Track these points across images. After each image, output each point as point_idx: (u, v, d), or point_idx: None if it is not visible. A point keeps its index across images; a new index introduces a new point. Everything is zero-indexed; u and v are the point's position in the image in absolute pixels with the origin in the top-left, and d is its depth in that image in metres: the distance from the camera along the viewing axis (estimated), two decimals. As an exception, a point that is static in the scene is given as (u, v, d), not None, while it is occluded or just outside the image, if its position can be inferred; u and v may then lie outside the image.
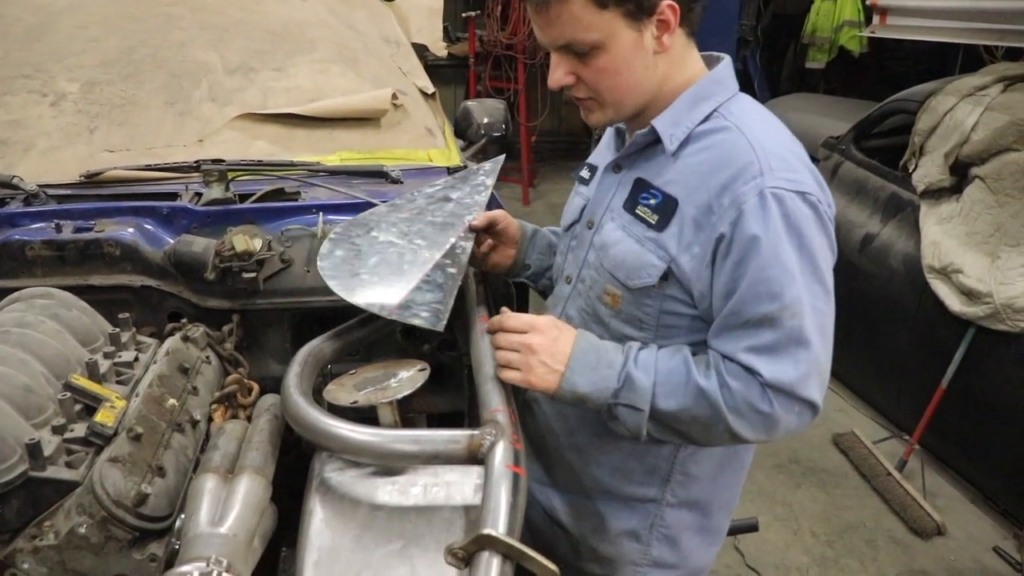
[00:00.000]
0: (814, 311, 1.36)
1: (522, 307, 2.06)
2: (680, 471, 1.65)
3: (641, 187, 1.53)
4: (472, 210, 1.83)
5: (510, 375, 1.47)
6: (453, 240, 1.73)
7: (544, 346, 1.46)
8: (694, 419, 1.41)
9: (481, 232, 1.82)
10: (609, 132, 1.73)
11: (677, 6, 1.40)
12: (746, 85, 7.76)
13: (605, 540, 1.72)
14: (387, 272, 1.63)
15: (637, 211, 1.52)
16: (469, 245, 1.73)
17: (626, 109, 1.52)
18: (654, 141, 1.52)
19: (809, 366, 1.36)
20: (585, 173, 1.78)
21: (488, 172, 2.00)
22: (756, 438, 1.41)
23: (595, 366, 1.46)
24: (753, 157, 1.38)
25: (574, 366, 1.46)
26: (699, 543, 1.75)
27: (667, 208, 1.47)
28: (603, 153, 1.75)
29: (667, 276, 1.47)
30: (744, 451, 1.74)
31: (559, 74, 1.48)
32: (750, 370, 1.36)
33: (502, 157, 2.06)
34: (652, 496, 1.68)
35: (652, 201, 1.50)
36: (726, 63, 1.55)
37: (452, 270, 1.64)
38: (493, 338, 1.53)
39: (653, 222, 1.48)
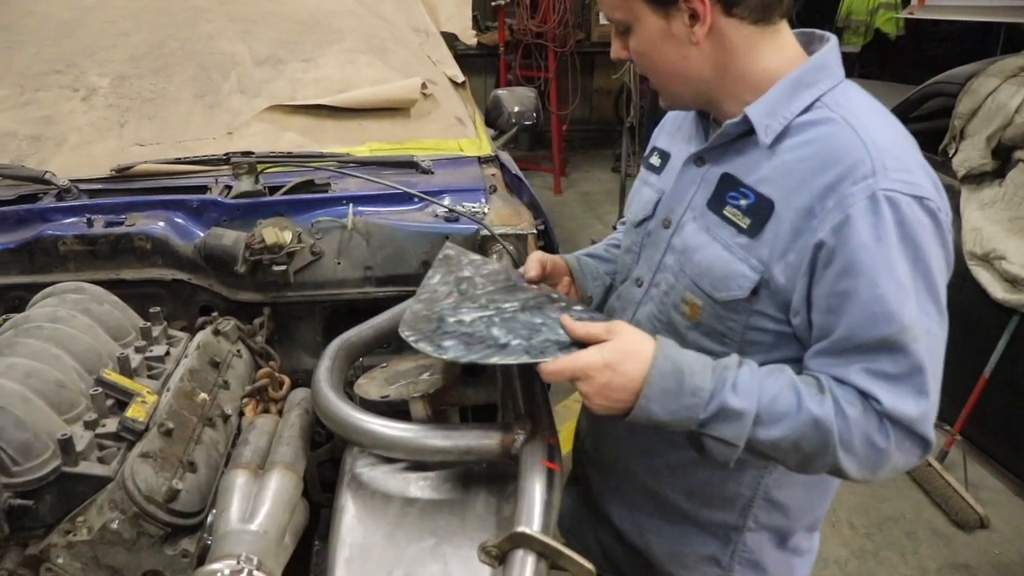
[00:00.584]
0: (928, 335, 1.21)
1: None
2: (764, 498, 1.53)
3: (729, 184, 1.36)
4: (503, 272, 1.58)
5: (585, 388, 1.25)
6: (531, 293, 1.48)
7: (615, 362, 1.25)
8: (796, 448, 1.25)
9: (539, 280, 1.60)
10: (689, 116, 1.54)
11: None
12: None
13: (684, 565, 1.62)
14: (530, 333, 1.31)
15: (725, 212, 1.35)
16: (547, 290, 1.51)
17: (677, 97, 1.42)
18: (746, 132, 1.35)
19: (930, 398, 1.21)
20: (655, 160, 1.62)
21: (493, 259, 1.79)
22: (858, 476, 1.25)
23: (676, 393, 1.24)
24: (864, 154, 1.22)
25: (649, 393, 1.24)
26: (784, 561, 1.62)
27: (761, 210, 1.29)
28: (676, 138, 1.59)
29: (758, 289, 1.31)
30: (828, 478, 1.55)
31: (615, 47, 1.41)
32: (867, 395, 1.22)
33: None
34: (732, 522, 1.55)
35: (743, 202, 1.33)
36: (831, 46, 1.37)
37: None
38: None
39: (744, 226, 1.32)
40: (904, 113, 4.70)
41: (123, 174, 2.24)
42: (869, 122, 1.27)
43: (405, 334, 1.34)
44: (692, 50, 1.32)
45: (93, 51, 2.69)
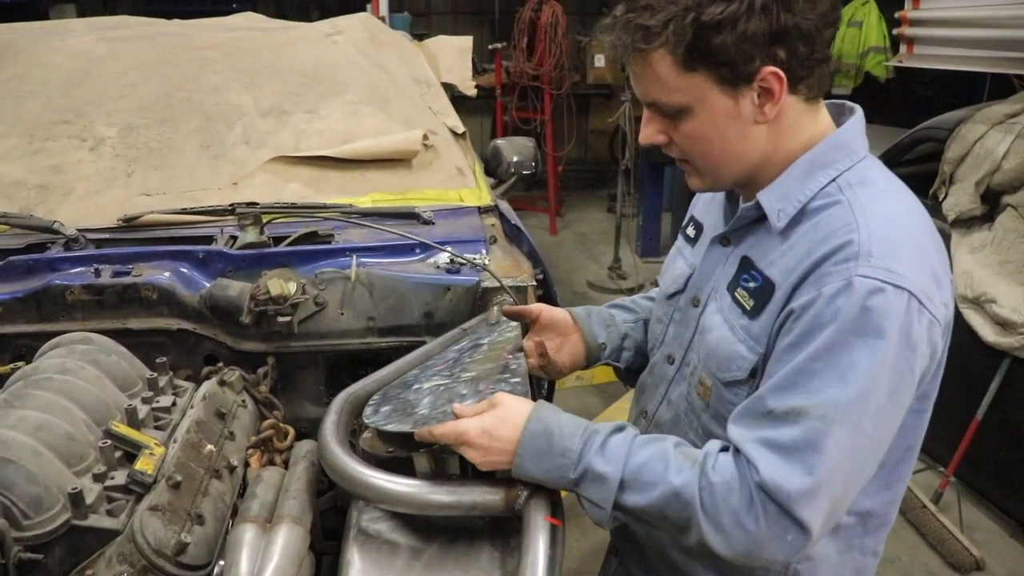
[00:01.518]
0: (854, 429, 1.16)
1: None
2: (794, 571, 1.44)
3: (745, 267, 1.36)
4: (509, 343, 1.69)
5: (470, 454, 1.31)
6: (503, 362, 1.60)
7: (491, 427, 1.30)
8: (664, 518, 1.24)
9: (521, 322, 1.74)
10: (721, 195, 1.52)
11: (783, 74, 1.22)
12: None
13: None
14: (445, 402, 1.46)
15: (736, 294, 1.35)
16: (522, 359, 1.60)
17: (724, 180, 1.36)
18: (761, 216, 1.34)
19: (820, 483, 1.14)
20: (691, 231, 1.61)
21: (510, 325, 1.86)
22: (731, 554, 1.20)
23: (547, 453, 1.28)
24: (854, 236, 1.19)
25: (523, 452, 1.29)
26: None
27: (764, 293, 1.29)
28: (710, 209, 1.57)
29: (755, 371, 1.30)
30: (872, 556, 1.48)
31: (650, 131, 1.35)
32: (748, 463, 1.18)
33: (506, 300, 1.95)
34: None
35: (752, 284, 1.32)
36: (856, 119, 1.34)
37: (516, 379, 1.50)
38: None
39: (748, 307, 1.31)
40: (895, 157, 4.77)
41: (130, 224, 2.28)
42: (874, 206, 1.23)
43: (374, 397, 1.61)
44: (755, 129, 1.28)
45: (101, 101, 2.73)
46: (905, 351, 1.17)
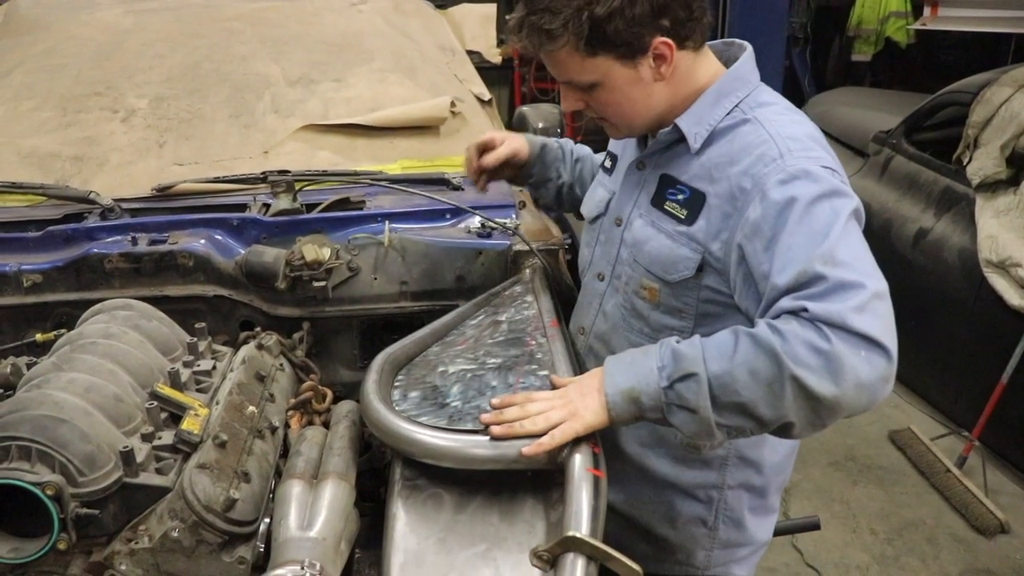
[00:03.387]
0: (855, 260, 1.28)
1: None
2: (736, 456, 1.68)
3: (667, 183, 1.57)
4: (529, 323, 1.76)
5: (563, 431, 1.32)
6: (528, 349, 1.64)
7: (574, 385, 1.41)
8: (755, 377, 1.25)
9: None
10: None
11: (671, 40, 1.44)
12: (792, 81, 7.71)
13: (675, 527, 1.75)
14: (476, 394, 1.49)
15: (666, 207, 1.56)
16: (546, 346, 1.64)
17: (637, 129, 1.60)
18: (678, 139, 1.56)
19: (862, 302, 1.23)
20: (608, 163, 1.83)
21: (527, 289, 1.94)
22: (826, 389, 1.22)
23: (631, 361, 1.38)
24: (771, 142, 1.42)
25: (610, 372, 1.38)
26: (759, 520, 1.79)
27: (695, 202, 1.50)
28: (623, 145, 1.78)
29: (702, 267, 1.49)
30: None
31: (570, 101, 1.57)
32: (796, 311, 1.25)
33: (540, 275, 2.01)
34: (713, 482, 1.70)
35: (680, 196, 1.53)
36: (747, 56, 1.58)
37: (543, 372, 1.53)
38: (522, 409, 1.37)
39: (683, 216, 1.52)
40: (917, 122, 4.74)
41: (164, 193, 2.31)
42: (778, 119, 1.48)
43: (398, 377, 1.64)
44: (656, 87, 1.50)
45: (131, 73, 2.76)
46: (848, 194, 1.37)
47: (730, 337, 1.31)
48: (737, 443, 1.66)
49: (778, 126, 1.45)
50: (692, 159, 1.53)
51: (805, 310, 1.24)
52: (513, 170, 2.03)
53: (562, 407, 1.35)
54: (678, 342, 1.36)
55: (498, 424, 1.34)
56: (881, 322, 1.24)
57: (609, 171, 1.81)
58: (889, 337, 1.24)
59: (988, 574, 3.35)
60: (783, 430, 1.31)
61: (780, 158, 1.39)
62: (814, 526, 2.67)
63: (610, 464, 1.69)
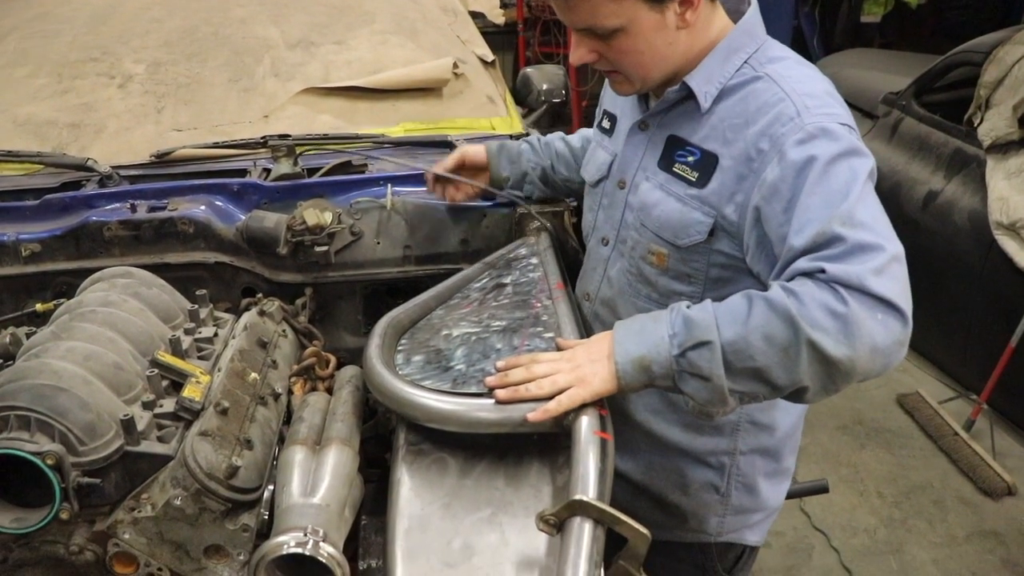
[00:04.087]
0: (873, 221, 1.26)
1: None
2: (748, 421, 1.66)
3: (676, 144, 1.52)
4: (534, 286, 1.74)
5: (569, 397, 1.30)
6: (533, 312, 1.62)
7: (582, 349, 1.37)
8: (770, 342, 1.22)
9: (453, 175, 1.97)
10: None
11: None
12: (800, 43, 7.62)
13: (687, 494, 1.74)
14: (480, 357, 1.47)
15: (675, 169, 1.51)
16: (551, 308, 1.62)
17: (652, 82, 1.51)
18: (685, 98, 1.51)
19: (879, 264, 1.21)
20: (606, 123, 1.77)
21: (532, 252, 1.92)
22: (841, 352, 1.20)
23: (641, 328, 1.34)
24: (788, 100, 1.38)
25: (619, 339, 1.33)
26: (772, 485, 1.77)
27: (707, 164, 1.45)
28: (622, 104, 1.72)
29: (714, 230, 1.45)
30: None
31: (581, 51, 1.48)
32: (813, 272, 1.23)
33: (545, 237, 1.99)
34: (725, 448, 1.68)
35: (690, 158, 1.48)
36: (753, 10, 1.52)
37: (549, 334, 1.51)
38: (528, 375, 1.34)
39: (694, 179, 1.47)
40: (928, 83, 4.68)
41: (162, 159, 2.27)
42: (790, 74, 1.43)
43: (402, 341, 1.62)
44: (678, 35, 1.44)
45: (127, 38, 2.71)
46: (866, 153, 1.34)
47: (743, 301, 1.27)
48: (748, 408, 1.64)
49: (793, 82, 1.41)
50: (702, 118, 1.48)
51: (823, 271, 1.21)
52: (477, 173, 2.02)
53: (569, 371, 1.32)
54: (689, 307, 1.32)
55: (503, 387, 1.32)
56: (899, 285, 1.22)
57: (608, 132, 1.75)
58: (905, 301, 1.22)
59: (995, 536, 3.36)
60: (797, 395, 1.28)
61: (798, 116, 1.35)
62: (823, 489, 2.67)
63: (620, 432, 1.70)
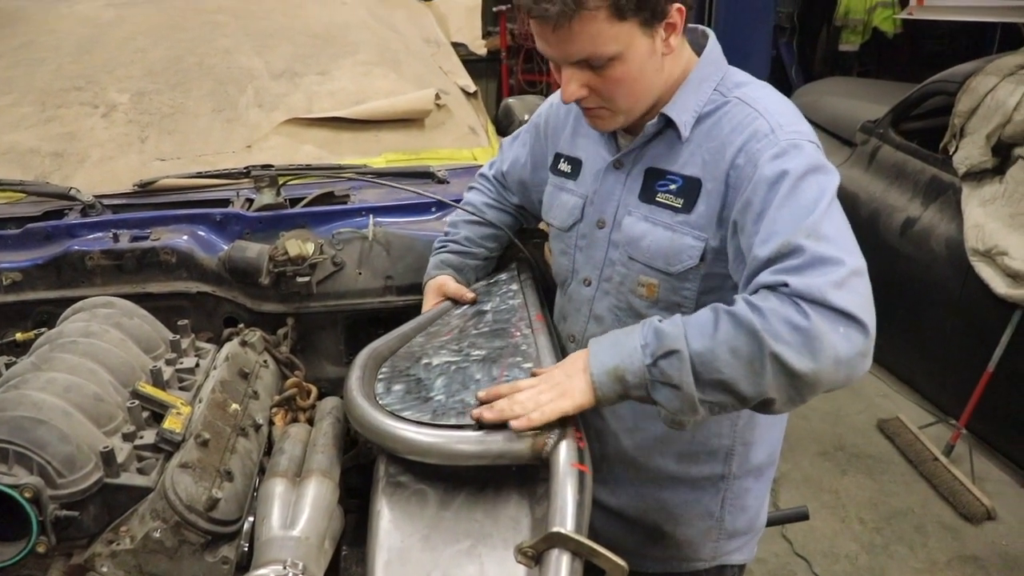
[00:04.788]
0: (837, 235, 1.30)
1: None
2: (741, 442, 1.68)
3: (655, 176, 1.56)
4: (514, 314, 1.75)
5: (552, 408, 1.31)
6: (513, 341, 1.63)
7: (558, 368, 1.40)
8: (736, 355, 1.25)
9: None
10: (584, 128, 1.70)
11: (684, 7, 1.44)
12: (779, 71, 7.71)
13: (681, 523, 1.75)
14: (460, 387, 1.47)
15: (658, 199, 1.54)
16: (531, 338, 1.63)
17: (636, 113, 1.54)
18: (661, 130, 1.55)
19: (841, 278, 1.23)
20: (565, 167, 1.77)
21: (512, 278, 1.95)
22: (805, 365, 1.22)
23: (614, 341, 1.36)
24: (762, 119, 1.43)
25: (594, 352, 1.36)
26: (761, 503, 1.81)
27: (691, 189, 1.49)
28: (582, 145, 1.73)
29: (705, 255, 1.49)
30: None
31: (573, 87, 1.48)
32: (776, 286, 1.26)
33: (525, 267, 2.01)
34: (719, 473, 1.71)
35: (672, 186, 1.52)
36: (712, 41, 1.59)
37: (528, 364, 1.51)
38: (510, 400, 1.34)
39: (679, 205, 1.51)
40: (904, 111, 4.74)
41: (146, 189, 2.28)
42: (758, 95, 1.50)
43: (382, 370, 1.61)
44: (663, 62, 1.49)
45: (112, 67, 2.73)
46: (832, 175, 1.38)
47: (710, 315, 1.30)
48: (739, 428, 1.67)
49: (764, 102, 1.47)
50: (679, 148, 1.52)
51: (785, 285, 1.24)
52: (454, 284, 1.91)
53: (549, 389, 1.34)
54: (660, 321, 1.34)
55: (490, 411, 1.33)
56: (859, 298, 1.25)
57: (571, 175, 1.75)
58: (867, 313, 1.25)
59: (975, 561, 3.37)
60: (764, 406, 1.30)
61: (772, 133, 1.41)
62: (803, 516, 2.68)
63: (612, 468, 1.73)
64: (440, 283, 1.90)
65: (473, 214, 1.98)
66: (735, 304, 1.29)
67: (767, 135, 1.41)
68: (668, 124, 1.53)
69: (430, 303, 1.88)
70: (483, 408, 1.33)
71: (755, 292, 1.29)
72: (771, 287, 1.26)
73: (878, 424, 4.26)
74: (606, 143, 1.67)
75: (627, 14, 1.38)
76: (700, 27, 1.62)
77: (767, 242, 1.31)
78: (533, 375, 1.43)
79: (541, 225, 2.15)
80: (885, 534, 3.54)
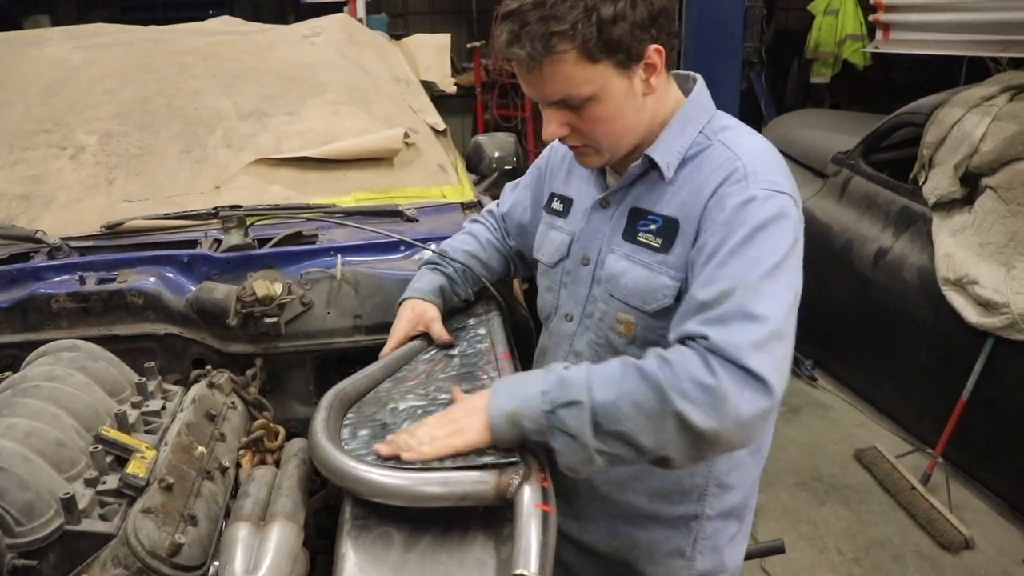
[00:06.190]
0: (773, 295, 1.33)
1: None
2: (716, 484, 1.68)
3: (638, 215, 1.58)
4: (481, 357, 1.74)
5: (444, 444, 1.34)
6: (479, 383, 1.62)
7: (460, 405, 1.42)
8: (638, 409, 1.27)
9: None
10: (578, 168, 1.74)
11: (663, 48, 1.46)
12: (751, 104, 7.81)
13: (653, 562, 1.74)
14: None
15: (639, 238, 1.56)
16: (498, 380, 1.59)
17: (620, 151, 1.56)
18: (646, 171, 1.57)
19: (761, 339, 1.27)
20: (558, 205, 1.79)
21: (480, 322, 1.93)
22: (707, 424, 1.24)
23: (517, 385, 1.39)
24: (738, 163, 1.45)
25: (496, 394, 1.38)
26: (735, 546, 1.79)
27: (669, 230, 1.51)
28: (575, 185, 1.76)
29: (680, 295, 1.49)
30: (764, 446, 1.74)
31: (553, 127, 1.51)
32: (696, 337, 1.29)
33: (494, 306, 1.98)
34: (692, 512, 1.70)
35: (652, 226, 1.54)
36: (700, 84, 1.61)
37: None
38: (409, 433, 1.38)
39: (658, 245, 1.53)
40: (875, 143, 4.80)
41: (113, 231, 2.28)
42: (741, 142, 1.51)
43: (348, 415, 1.60)
44: (644, 102, 1.50)
45: (80, 109, 2.72)
46: (796, 231, 1.42)
47: (618, 366, 1.33)
48: (715, 470, 1.67)
49: (746, 148, 1.49)
50: (662, 189, 1.54)
51: (704, 337, 1.28)
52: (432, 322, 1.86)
53: (446, 424, 1.37)
54: (566, 368, 1.36)
55: (386, 446, 1.37)
56: (775, 362, 1.28)
57: (562, 214, 1.77)
58: (777, 377, 1.27)
59: (954, 591, 3.37)
60: (662, 462, 1.33)
61: (744, 179, 1.42)
62: (778, 550, 2.67)
63: (585, 504, 1.72)
64: (424, 312, 1.85)
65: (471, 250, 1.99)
66: (646, 357, 1.32)
67: (739, 181, 1.43)
68: (652, 165, 1.55)
69: (404, 327, 1.83)
70: (382, 443, 1.37)
71: (678, 341, 1.34)
72: (691, 338, 1.31)
73: (855, 454, 4.27)
74: (596, 182, 1.69)
75: (598, 56, 1.40)
76: (690, 73, 1.63)
77: (707, 286, 1.35)
78: (451, 398, 1.49)
79: None
80: (864, 564, 3.53)
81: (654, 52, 1.44)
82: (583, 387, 1.31)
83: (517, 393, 1.36)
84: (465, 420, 1.37)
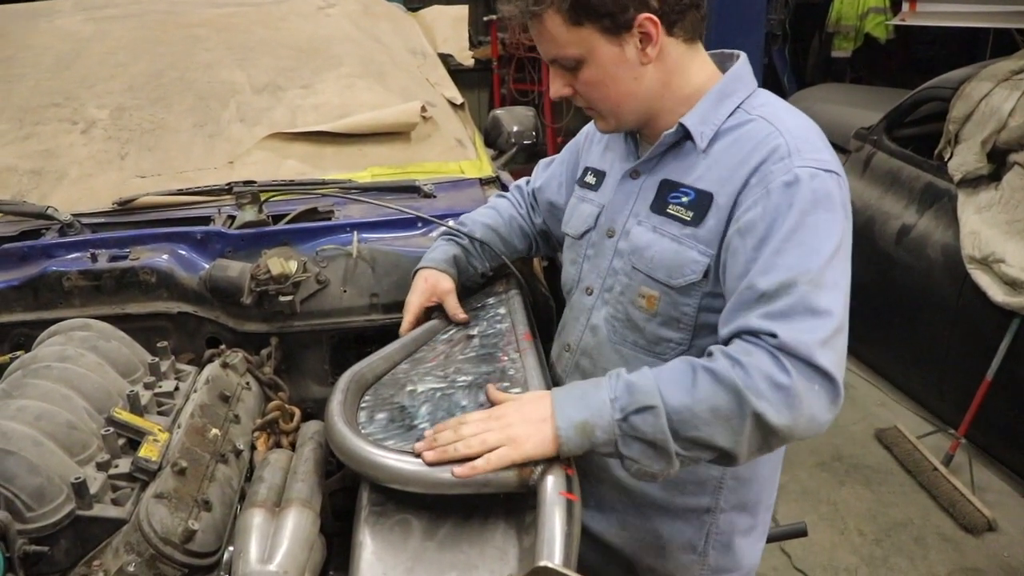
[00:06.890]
0: (834, 287, 1.32)
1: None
2: (732, 476, 1.64)
3: (669, 187, 1.53)
4: (501, 338, 1.70)
5: (498, 457, 1.27)
6: (500, 365, 1.59)
7: (515, 409, 1.34)
8: (716, 413, 1.26)
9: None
10: (617, 138, 1.71)
11: (657, 19, 1.42)
12: (773, 78, 7.71)
13: (663, 556, 1.70)
14: (445, 415, 1.43)
15: (669, 211, 1.51)
16: (519, 361, 1.59)
17: (626, 119, 1.55)
18: (678, 141, 1.54)
19: (827, 335, 1.28)
20: (591, 179, 1.77)
21: (500, 302, 1.89)
22: (783, 422, 1.25)
23: (582, 395, 1.33)
24: (781, 140, 1.41)
25: (560, 404, 1.32)
26: (750, 543, 1.74)
27: (702, 203, 1.47)
28: (606, 157, 1.74)
29: (708, 271, 1.46)
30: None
31: (557, 85, 1.53)
32: (762, 334, 1.28)
33: (514, 284, 1.95)
34: (706, 505, 1.66)
35: (684, 199, 1.50)
36: (743, 61, 1.57)
37: (516, 389, 1.48)
38: (456, 437, 1.31)
39: (688, 218, 1.48)
40: (898, 118, 4.72)
41: (125, 207, 2.24)
42: (782, 116, 1.47)
43: (365, 397, 1.56)
44: (643, 71, 1.47)
45: (91, 83, 2.69)
46: (846, 212, 1.40)
47: (686, 369, 1.30)
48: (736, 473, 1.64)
49: (788, 124, 1.45)
50: (696, 160, 1.50)
51: (773, 335, 1.27)
52: (447, 295, 1.84)
53: (499, 430, 1.30)
54: (627, 372, 1.34)
55: (431, 450, 1.29)
56: (839, 357, 1.30)
57: (594, 187, 1.74)
58: (840, 371, 1.29)
59: (976, 572, 3.34)
60: (728, 458, 1.32)
61: (789, 157, 1.38)
62: (801, 533, 2.63)
63: (595, 491, 1.68)
64: (437, 283, 1.83)
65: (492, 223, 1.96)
66: (713, 358, 1.30)
67: (783, 159, 1.38)
68: (686, 135, 1.51)
69: (418, 299, 1.80)
70: (425, 444, 1.31)
71: (737, 335, 1.32)
72: (756, 334, 1.29)
73: (876, 434, 4.23)
74: (629, 154, 1.67)
75: (582, 20, 1.41)
76: (733, 51, 1.61)
77: (767, 273, 1.32)
78: (488, 396, 1.43)
79: None
80: (884, 546, 3.50)
81: (647, 21, 1.41)
82: (653, 391, 1.28)
83: (585, 402, 1.31)
84: (522, 429, 1.30)
